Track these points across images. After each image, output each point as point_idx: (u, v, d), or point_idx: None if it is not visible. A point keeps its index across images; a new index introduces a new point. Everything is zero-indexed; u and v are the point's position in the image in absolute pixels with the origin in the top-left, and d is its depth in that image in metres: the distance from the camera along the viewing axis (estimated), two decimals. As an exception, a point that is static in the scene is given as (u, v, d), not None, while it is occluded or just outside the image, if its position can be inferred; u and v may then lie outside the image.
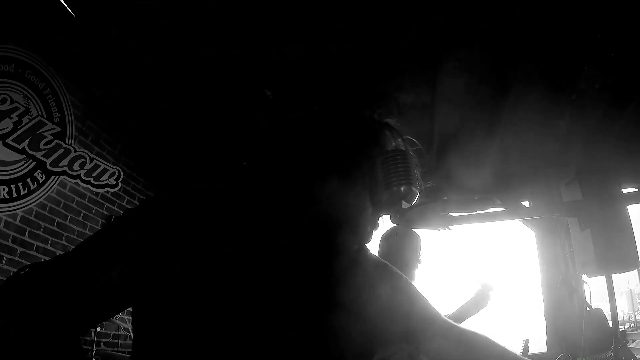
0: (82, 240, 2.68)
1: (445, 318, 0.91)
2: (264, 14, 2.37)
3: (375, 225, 0.83)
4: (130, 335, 3.29)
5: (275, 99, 2.93)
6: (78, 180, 2.91)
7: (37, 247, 2.65)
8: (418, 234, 2.28)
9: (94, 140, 3.10)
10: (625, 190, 3.01)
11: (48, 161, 2.70)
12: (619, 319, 3.18)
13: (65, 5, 2.43)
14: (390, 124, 0.92)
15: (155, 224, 0.68)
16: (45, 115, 2.69)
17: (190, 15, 2.40)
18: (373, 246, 0.94)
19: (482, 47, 2.57)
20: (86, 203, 3.05)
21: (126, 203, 3.46)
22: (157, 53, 2.72)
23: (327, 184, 0.78)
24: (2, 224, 2.43)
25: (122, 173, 3.23)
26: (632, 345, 3.33)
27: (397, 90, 2.94)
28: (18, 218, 2.53)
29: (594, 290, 2.65)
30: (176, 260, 0.66)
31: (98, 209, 3.17)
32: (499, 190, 3.67)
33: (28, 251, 2.58)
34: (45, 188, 2.71)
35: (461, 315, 2.33)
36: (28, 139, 2.56)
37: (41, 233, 2.68)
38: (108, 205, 3.26)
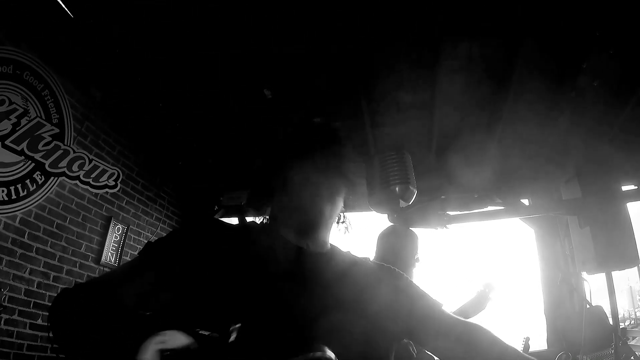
0: (81, 241, 2.69)
1: (448, 314, 0.90)
2: (264, 13, 2.37)
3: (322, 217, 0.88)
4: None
5: (275, 98, 2.93)
6: (77, 181, 2.91)
7: (37, 248, 2.64)
8: (416, 232, 2.29)
9: (93, 141, 3.10)
10: (624, 188, 3.01)
11: (47, 162, 2.70)
12: (619, 316, 3.18)
13: (63, 5, 2.43)
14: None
15: (175, 246, 0.87)
16: (44, 117, 2.68)
17: (190, 15, 2.40)
18: (371, 245, 0.96)
19: (482, 45, 2.57)
20: (85, 204, 3.05)
21: (125, 204, 3.46)
22: (156, 53, 2.72)
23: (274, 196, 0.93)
24: (2, 225, 2.43)
25: (121, 174, 3.22)
26: (632, 343, 3.33)
27: (397, 89, 2.94)
28: (17, 220, 2.52)
29: (594, 287, 2.66)
30: (187, 275, 0.80)
31: (97, 209, 3.17)
32: (498, 188, 3.67)
33: (27, 253, 2.58)
34: (45, 189, 2.70)
35: (460, 316, 2.33)
36: (27, 141, 2.56)
37: (40, 234, 2.68)
38: (107, 206, 3.26)
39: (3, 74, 2.44)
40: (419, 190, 2.58)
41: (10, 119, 2.47)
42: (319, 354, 0.62)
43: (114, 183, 3.17)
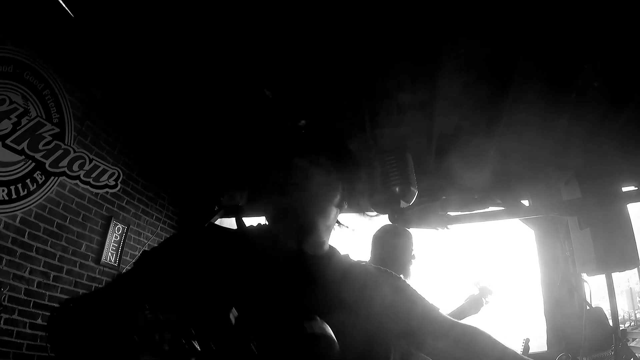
0: (81, 241, 2.68)
1: (446, 316, 0.91)
2: (264, 14, 2.37)
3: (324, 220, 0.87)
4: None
5: (275, 98, 2.93)
6: (77, 181, 2.91)
7: (37, 248, 2.64)
8: (409, 231, 2.29)
9: (94, 140, 3.10)
10: (624, 189, 3.01)
11: (47, 162, 2.69)
12: (619, 318, 3.18)
13: (64, 5, 2.43)
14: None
15: (172, 254, 0.87)
16: (44, 116, 2.68)
17: (190, 15, 2.40)
18: (365, 246, 0.96)
19: (482, 46, 2.57)
20: (86, 204, 3.05)
21: (126, 203, 3.46)
22: (156, 53, 2.72)
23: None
24: (2, 225, 2.43)
25: (121, 173, 3.22)
26: (632, 344, 3.33)
27: (397, 90, 2.94)
28: (17, 219, 2.52)
29: (594, 289, 2.66)
30: (181, 284, 0.80)
31: (97, 209, 3.17)
32: (498, 189, 3.67)
33: (28, 252, 2.58)
34: (45, 189, 2.70)
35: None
36: (27, 140, 2.56)
37: (41, 234, 2.68)
38: (107, 205, 3.26)
39: (3, 73, 2.45)
40: (419, 191, 2.59)
41: (10, 119, 2.47)
42: (318, 331, 0.62)
43: (114, 183, 3.17)
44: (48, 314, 0.82)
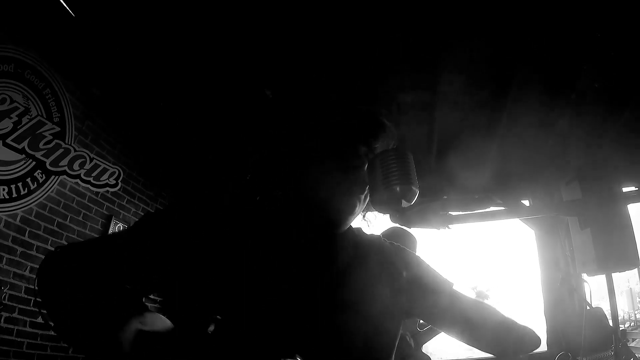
0: (82, 240, 2.66)
1: (448, 314, 0.90)
2: (265, 14, 2.37)
3: (351, 211, 0.82)
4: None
5: (275, 98, 2.93)
6: (78, 180, 2.91)
7: (38, 247, 2.65)
8: (414, 235, 2.29)
9: (94, 139, 3.10)
10: (625, 189, 3.01)
11: (48, 161, 2.70)
12: (619, 318, 3.18)
13: (64, 4, 2.43)
14: (378, 119, 0.92)
15: (168, 227, 0.79)
16: (44, 115, 2.69)
17: (190, 15, 2.40)
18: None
19: (482, 47, 2.57)
20: (86, 203, 3.05)
21: (126, 202, 3.46)
22: (156, 53, 2.72)
23: (302, 170, 0.83)
24: (2, 224, 2.43)
25: (122, 172, 3.22)
26: (632, 344, 3.33)
27: (397, 90, 2.94)
28: (18, 218, 2.53)
29: (594, 289, 2.66)
30: (181, 259, 0.75)
31: (98, 208, 3.17)
32: (499, 189, 3.67)
33: (28, 251, 2.58)
34: (45, 188, 2.71)
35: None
36: (28, 139, 2.56)
37: (41, 233, 2.68)
38: (108, 204, 3.26)
39: (4, 72, 2.45)
40: (419, 191, 2.58)
41: (11, 118, 2.47)
42: None
43: (114, 182, 3.17)
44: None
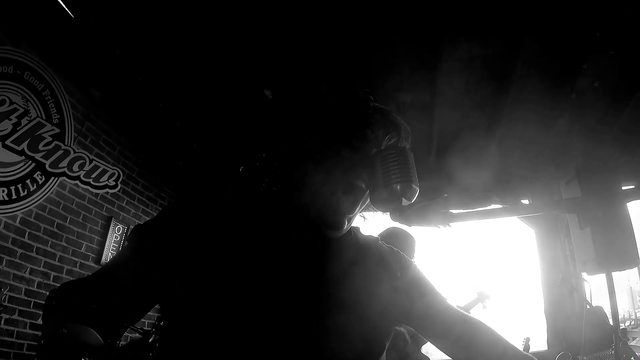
0: (81, 241, 2.63)
1: (449, 312, 0.90)
2: (265, 13, 2.37)
3: (349, 211, 0.80)
4: (129, 336, 3.28)
5: (275, 98, 2.93)
6: (77, 182, 2.91)
7: (37, 248, 2.64)
8: (412, 235, 2.28)
9: (94, 141, 3.10)
10: (624, 188, 3.00)
11: (47, 162, 2.70)
12: (619, 317, 3.18)
13: (63, 5, 2.43)
14: (382, 110, 0.88)
15: (165, 229, 0.79)
16: (44, 117, 2.68)
17: (190, 15, 2.40)
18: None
19: (482, 46, 2.57)
20: (86, 204, 3.05)
21: (126, 204, 3.46)
22: (156, 53, 2.72)
23: (302, 170, 0.81)
24: (2, 225, 2.43)
25: (121, 174, 3.22)
26: (632, 343, 3.33)
27: (397, 90, 2.94)
28: (18, 220, 2.52)
29: (594, 288, 2.66)
30: (181, 261, 0.75)
31: (98, 210, 3.17)
32: (498, 188, 3.67)
33: (28, 253, 2.58)
34: (45, 189, 2.70)
35: None
36: (27, 141, 2.56)
37: (41, 234, 2.68)
38: (108, 206, 3.26)
39: (3, 74, 2.45)
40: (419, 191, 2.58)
41: (10, 119, 2.47)
42: None
43: (114, 183, 3.17)
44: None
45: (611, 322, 2.67)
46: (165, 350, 0.73)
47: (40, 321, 2.58)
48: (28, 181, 2.59)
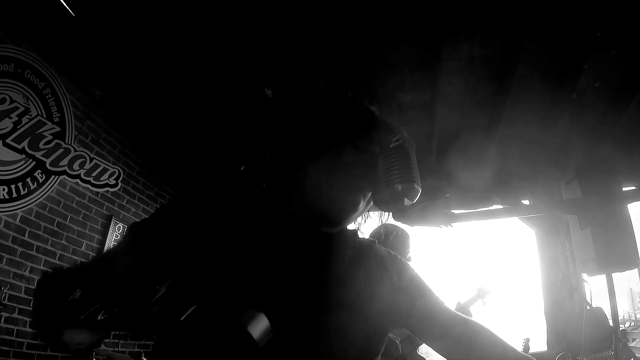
0: (82, 240, 2.63)
1: (448, 314, 0.90)
2: (265, 13, 2.37)
3: (351, 209, 0.80)
4: (130, 336, 3.29)
5: (275, 98, 2.93)
6: (78, 180, 2.91)
7: (37, 247, 2.64)
8: (407, 232, 2.29)
9: (94, 139, 3.10)
10: (625, 189, 3.01)
11: (48, 161, 2.70)
12: (619, 318, 3.18)
13: (64, 4, 2.43)
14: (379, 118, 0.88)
15: (163, 227, 0.78)
16: (45, 115, 2.68)
17: (190, 15, 2.40)
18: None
19: (482, 46, 2.57)
20: (86, 203, 3.05)
21: (126, 202, 3.46)
22: (156, 53, 2.72)
23: (302, 170, 0.81)
24: (2, 224, 2.43)
25: (121, 173, 3.22)
26: (632, 344, 3.33)
27: (397, 90, 2.94)
28: (18, 218, 2.52)
29: (594, 289, 2.66)
30: (179, 259, 0.73)
31: (98, 208, 3.17)
32: (499, 189, 3.67)
33: (28, 251, 2.58)
34: (45, 188, 2.70)
35: None
36: (28, 139, 2.56)
37: (41, 233, 2.68)
38: (108, 204, 3.26)
39: (4, 72, 2.45)
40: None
41: (11, 118, 2.47)
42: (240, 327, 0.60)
43: (114, 182, 3.17)
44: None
45: (611, 323, 2.67)
46: (163, 349, 0.73)
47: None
48: (28, 180, 2.59)
